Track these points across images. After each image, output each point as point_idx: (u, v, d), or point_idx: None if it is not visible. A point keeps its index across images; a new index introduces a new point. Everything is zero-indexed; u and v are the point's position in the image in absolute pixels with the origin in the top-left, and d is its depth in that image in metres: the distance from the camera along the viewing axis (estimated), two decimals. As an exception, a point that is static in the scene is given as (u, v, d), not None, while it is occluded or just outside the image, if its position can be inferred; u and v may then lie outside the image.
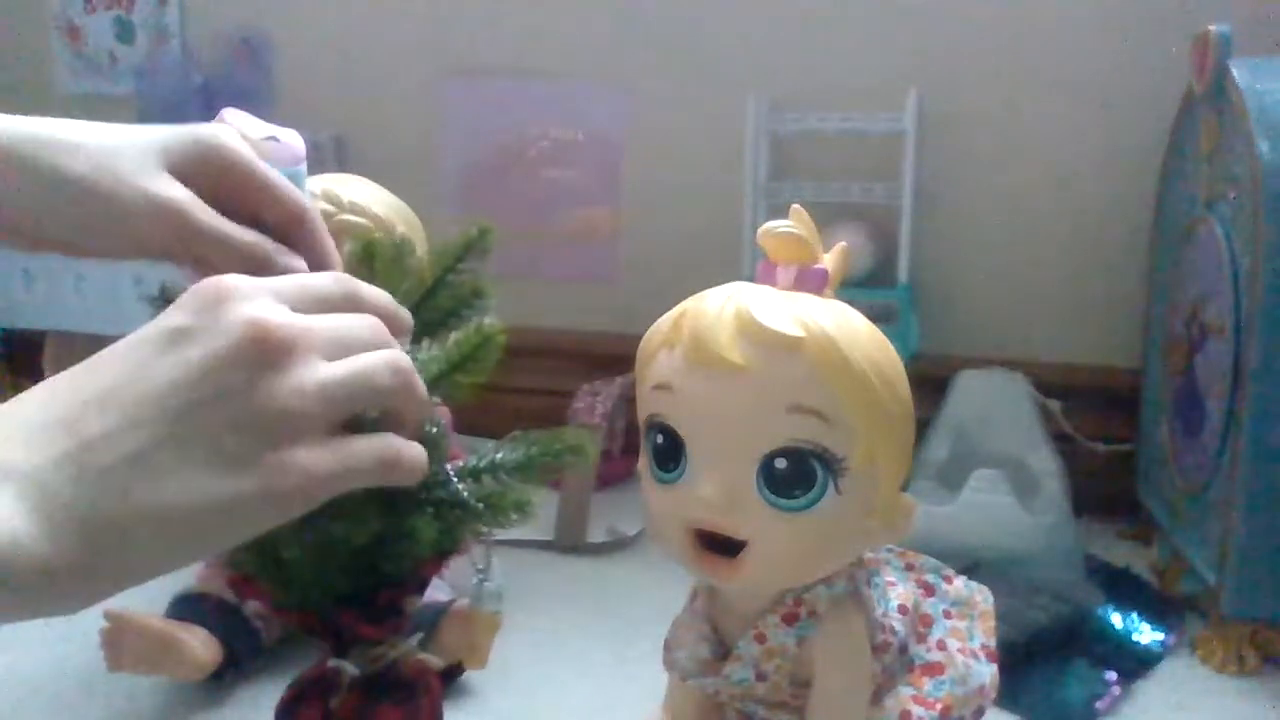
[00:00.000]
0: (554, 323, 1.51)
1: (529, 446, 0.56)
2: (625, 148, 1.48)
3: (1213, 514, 0.93)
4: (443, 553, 0.57)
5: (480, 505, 0.54)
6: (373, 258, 0.58)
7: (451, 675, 0.82)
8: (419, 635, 0.66)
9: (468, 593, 0.88)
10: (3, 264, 1.48)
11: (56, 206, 0.45)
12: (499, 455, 0.56)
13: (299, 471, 0.36)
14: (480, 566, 0.72)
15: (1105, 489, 1.22)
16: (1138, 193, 1.23)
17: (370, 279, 0.46)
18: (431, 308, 0.60)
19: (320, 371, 0.37)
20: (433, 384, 0.53)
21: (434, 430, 0.54)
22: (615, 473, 1.29)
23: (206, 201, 0.47)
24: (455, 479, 0.54)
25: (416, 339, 0.56)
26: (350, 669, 0.59)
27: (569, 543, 1.15)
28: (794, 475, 0.48)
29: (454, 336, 0.55)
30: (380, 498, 0.50)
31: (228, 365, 0.35)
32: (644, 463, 0.53)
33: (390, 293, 0.46)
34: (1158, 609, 0.98)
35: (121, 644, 0.77)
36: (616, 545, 1.17)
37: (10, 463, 0.33)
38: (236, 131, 0.51)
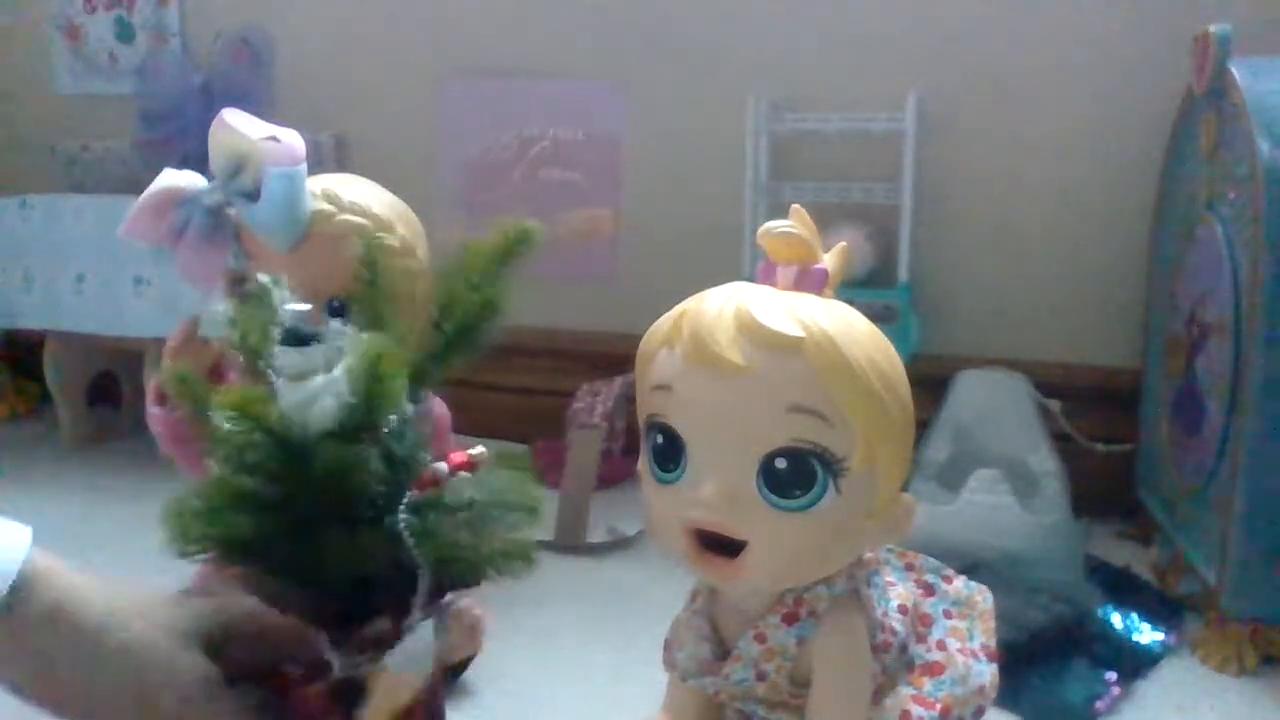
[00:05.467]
0: (554, 323, 1.51)
1: (478, 488, 0.55)
2: (625, 148, 1.48)
3: (1213, 514, 0.93)
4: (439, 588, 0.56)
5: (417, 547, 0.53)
6: (375, 261, 0.58)
7: (454, 674, 0.82)
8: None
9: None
10: (3, 264, 1.48)
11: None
12: (447, 496, 0.55)
13: None
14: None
15: (1105, 489, 1.22)
16: (1138, 193, 1.23)
17: (373, 281, 0.46)
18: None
19: None
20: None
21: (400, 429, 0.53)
22: (615, 473, 1.29)
23: None
24: (407, 512, 0.52)
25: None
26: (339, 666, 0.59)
27: (569, 543, 1.15)
28: (794, 475, 0.48)
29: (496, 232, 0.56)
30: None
31: None
32: (644, 463, 0.53)
33: (390, 292, 0.46)
34: (1158, 609, 0.98)
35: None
36: (616, 545, 1.17)
37: None
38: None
